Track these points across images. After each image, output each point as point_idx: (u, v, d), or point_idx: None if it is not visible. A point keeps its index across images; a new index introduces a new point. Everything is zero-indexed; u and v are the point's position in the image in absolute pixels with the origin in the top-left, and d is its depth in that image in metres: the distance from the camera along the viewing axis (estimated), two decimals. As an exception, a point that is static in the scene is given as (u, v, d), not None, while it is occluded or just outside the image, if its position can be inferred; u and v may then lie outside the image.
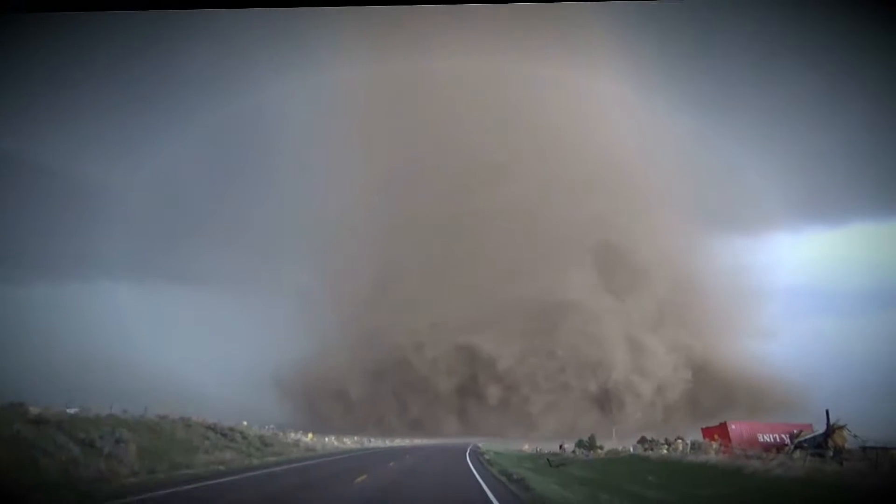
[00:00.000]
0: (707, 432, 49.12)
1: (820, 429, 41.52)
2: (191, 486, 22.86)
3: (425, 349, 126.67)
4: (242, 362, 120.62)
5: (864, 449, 36.71)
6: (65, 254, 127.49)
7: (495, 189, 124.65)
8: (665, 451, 48.52)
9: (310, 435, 69.33)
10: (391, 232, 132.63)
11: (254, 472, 31.15)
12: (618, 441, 72.91)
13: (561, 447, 72.98)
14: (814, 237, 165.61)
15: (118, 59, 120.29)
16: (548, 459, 51.99)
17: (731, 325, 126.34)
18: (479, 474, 33.39)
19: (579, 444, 72.69)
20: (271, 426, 61.74)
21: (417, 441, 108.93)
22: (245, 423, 50.28)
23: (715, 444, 43.74)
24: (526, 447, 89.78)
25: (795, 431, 44.63)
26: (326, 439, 75.39)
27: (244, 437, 44.60)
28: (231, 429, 44.44)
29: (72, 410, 31.27)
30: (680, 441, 54.18)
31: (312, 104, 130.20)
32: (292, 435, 61.32)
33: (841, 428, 39.39)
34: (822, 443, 39.04)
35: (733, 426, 47.35)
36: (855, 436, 39.11)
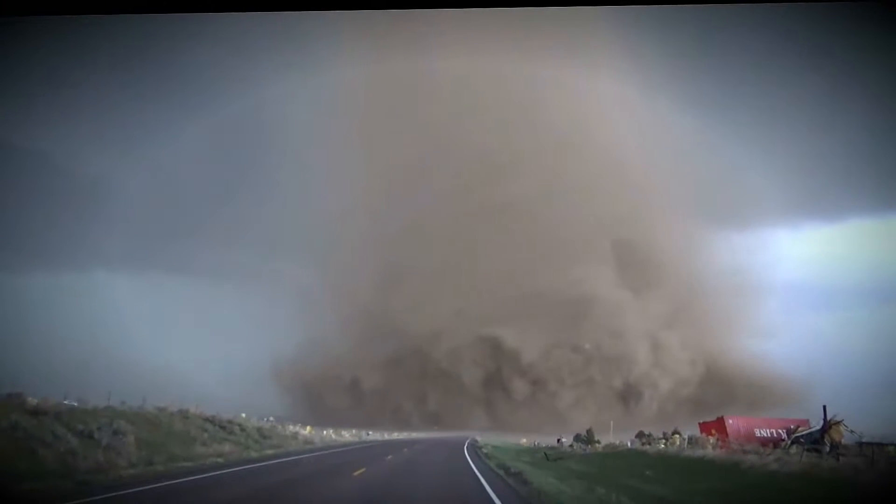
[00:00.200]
0: (704, 427, 49.19)
1: (817, 424, 41.63)
2: (189, 478, 22.89)
3: (443, 340, 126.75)
4: (242, 355, 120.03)
5: (860, 444, 36.85)
6: (64, 245, 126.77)
7: (511, 182, 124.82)
8: (663, 446, 48.60)
9: (308, 428, 69.38)
10: (407, 223, 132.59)
11: (252, 464, 31.19)
12: (615, 435, 73.09)
13: (559, 441, 73.17)
14: (812, 234, 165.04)
15: (119, 58, 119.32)
16: (545, 453, 52.11)
17: (731, 322, 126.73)
18: (476, 468, 33.45)
19: (577, 438, 72.85)
20: (271, 419, 61.81)
21: (415, 434, 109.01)
22: (243, 415, 50.30)
23: (712, 439, 43.84)
24: (524, 441, 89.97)
25: (792, 427, 44.70)
26: (325, 432, 75.49)
27: (243, 430, 44.62)
28: (229, 421, 44.44)
29: (70, 402, 31.29)
30: (677, 436, 54.26)
31: (316, 103, 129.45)
32: (291, 427, 61.36)
33: (837, 423, 39.51)
34: (819, 438, 39.16)
35: (730, 421, 47.39)
36: (851, 431, 39.27)
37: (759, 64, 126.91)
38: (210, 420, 41.74)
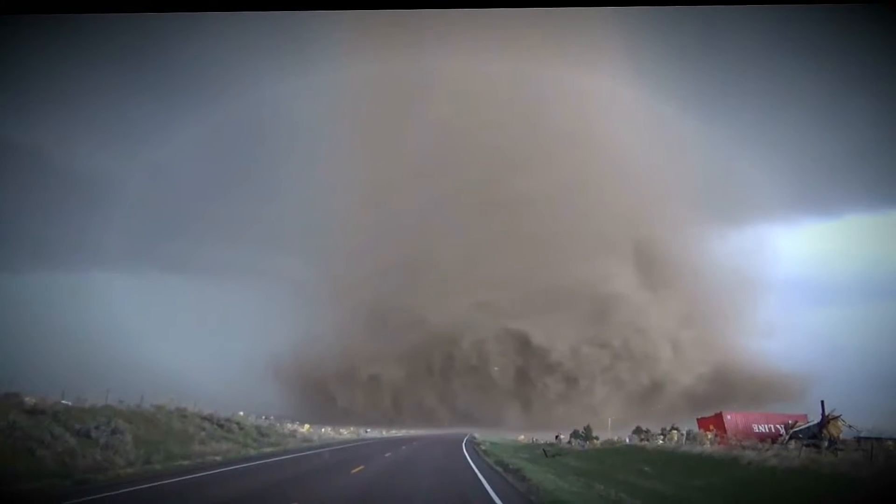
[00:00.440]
0: (703, 423, 49.20)
1: (815, 419, 41.65)
2: (187, 477, 22.86)
3: (465, 335, 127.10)
4: (240, 353, 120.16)
5: (858, 439, 36.87)
6: (62, 243, 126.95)
7: (529, 177, 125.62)
8: (661, 442, 48.65)
9: (306, 426, 69.38)
10: (423, 217, 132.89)
11: (250, 462, 31.16)
12: (613, 432, 73.18)
13: (557, 438, 73.26)
14: (810, 230, 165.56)
15: (118, 58, 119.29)
16: (544, 450, 52.15)
17: (733, 319, 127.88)
18: (475, 465, 33.45)
19: (575, 434, 72.94)
20: (272, 418, 61.79)
21: (413, 432, 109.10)
22: (241, 413, 50.26)
23: (710, 435, 43.87)
24: (521, 437, 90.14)
25: (790, 422, 44.72)
26: (323, 430, 75.50)
27: (241, 428, 44.60)
28: (227, 419, 44.42)
29: (67, 401, 31.22)
30: (675, 431, 54.31)
31: (321, 102, 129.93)
32: (289, 426, 61.34)
33: (836, 418, 39.50)
34: (817, 433, 39.15)
35: (729, 416, 47.42)
36: (850, 426, 39.26)
37: (759, 65, 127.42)
38: (208, 418, 41.70)
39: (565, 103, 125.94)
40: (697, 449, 34.83)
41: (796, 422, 44.26)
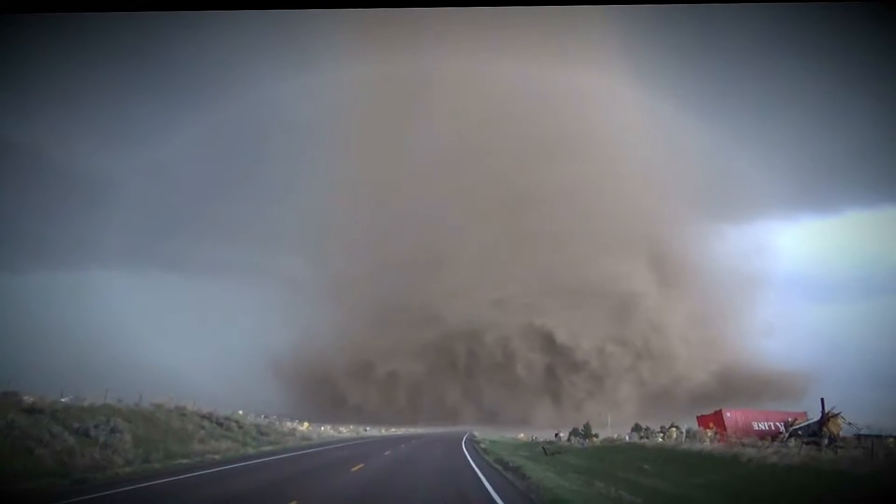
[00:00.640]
0: (702, 420, 49.22)
1: (814, 416, 41.65)
2: (185, 476, 22.81)
3: (487, 332, 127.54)
4: (239, 351, 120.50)
5: (858, 437, 36.87)
6: (61, 242, 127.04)
7: (546, 175, 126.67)
8: (660, 440, 48.65)
9: (306, 424, 69.36)
10: (440, 210, 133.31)
11: (249, 461, 31.12)
12: (612, 429, 73.19)
13: (556, 435, 73.33)
14: (809, 227, 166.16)
15: (117, 57, 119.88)
16: (543, 448, 52.15)
17: (735, 317, 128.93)
18: (475, 463, 33.42)
19: (574, 432, 72.97)
20: (274, 417, 61.82)
21: (412, 430, 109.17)
22: (241, 412, 50.23)
23: (710, 432, 43.86)
24: (521, 435, 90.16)
25: (790, 419, 44.74)
26: (322, 428, 75.49)
27: (240, 427, 44.56)
28: (227, 418, 44.38)
29: (66, 399, 31.15)
30: (674, 429, 54.32)
31: (336, 91, 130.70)
32: (288, 424, 61.32)
33: (836, 416, 39.50)
34: (817, 430, 39.16)
35: (728, 414, 47.43)
36: (849, 423, 39.27)
37: (760, 65, 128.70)
38: (207, 417, 41.66)
39: (579, 102, 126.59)
40: (697, 446, 34.78)
41: (796, 419, 44.27)
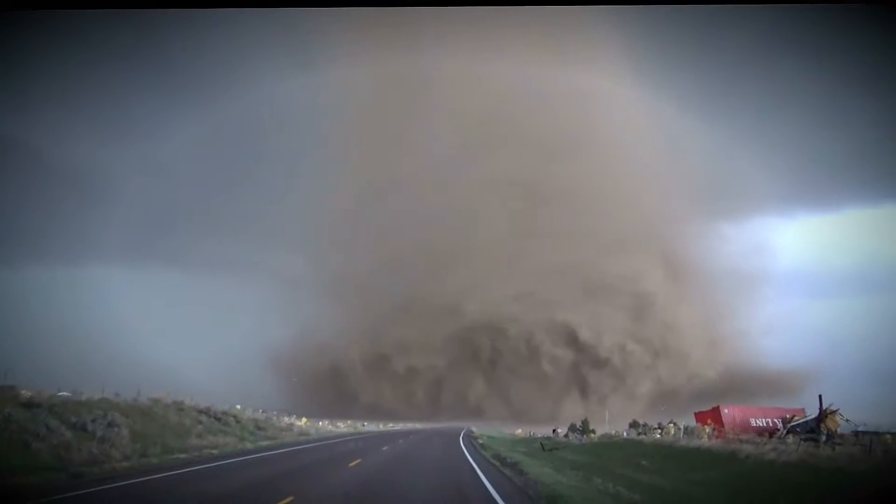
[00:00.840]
0: (700, 416, 49.22)
1: (812, 413, 41.66)
2: (183, 470, 22.77)
3: (510, 326, 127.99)
4: (238, 347, 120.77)
5: (856, 433, 36.89)
6: (59, 238, 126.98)
7: (564, 173, 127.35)
8: (658, 436, 48.65)
9: (304, 419, 69.36)
10: (460, 204, 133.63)
11: (247, 456, 31.08)
12: (610, 425, 73.27)
13: (554, 431, 73.34)
14: (808, 223, 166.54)
15: (117, 55, 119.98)
16: (541, 443, 52.14)
17: (738, 315, 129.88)
18: (472, 459, 33.41)
19: (572, 428, 73.03)
20: (275, 412, 61.86)
21: (409, 425, 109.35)
22: (239, 407, 50.17)
23: (708, 429, 43.84)
24: (519, 431, 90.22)
25: (788, 416, 44.75)
26: (320, 423, 75.48)
27: (238, 422, 44.49)
28: (224, 413, 44.30)
29: (63, 394, 31.08)
30: (672, 425, 54.33)
31: (348, 88, 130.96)
32: (286, 419, 61.30)
33: (833, 412, 39.52)
34: (815, 427, 39.18)
35: (726, 410, 47.41)
36: (847, 420, 39.30)
37: (759, 65, 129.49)
38: (205, 412, 41.58)
39: (586, 103, 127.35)
40: (695, 443, 34.79)
41: (794, 416, 44.28)
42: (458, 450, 42.28)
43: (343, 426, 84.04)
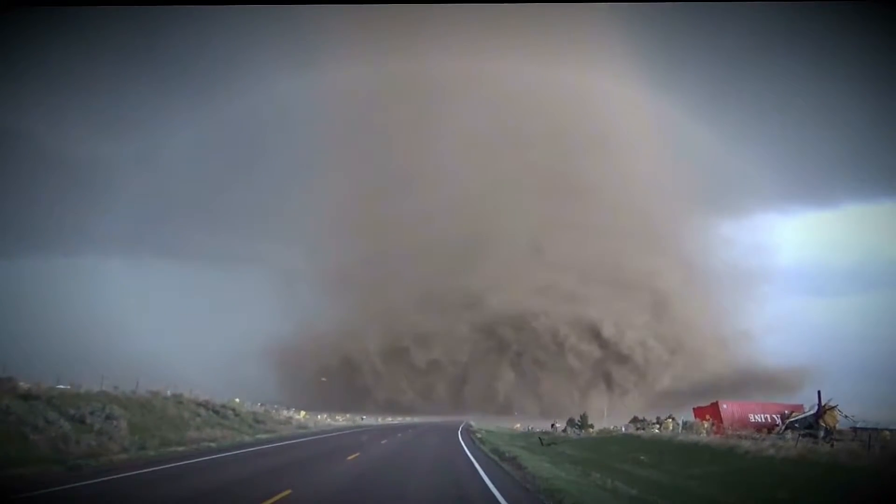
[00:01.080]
0: (699, 412, 49.20)
1: (811, 409, 41.66)
2: (180, 463, 22.74)
3: (535, 320, 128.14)
4: (237, 339, 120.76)
5: (854, 429, 36.90)
6: (57, 229, 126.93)
7: (589, 167, 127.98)
8: (656, 431, 48.68)
9: (302, 412, 69.43)
10: (480, 195, 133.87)
11: (245, 449, 31.07)
12: (609, 420, 73.36)
13: (553, 426, 73.41)
14: (806, 220, 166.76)
15: (119, 48, 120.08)
16: (540, 438, 52.17)
17: (740, 313, 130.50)
18: (471, 453, 33.38)
19: (571, 423, 73.09)
20: (275, 405, 61.92)
21: (408, 419, 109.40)
22: (237, 400, 50.18)
23: (706, 424, 43.84)
24: (517, 426, 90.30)
25: (786, 412, 44.77)
26: (319, 417, 75.58)
27: (236, 415, 44.49)
28: (223, 406, 44.30)
29: (62, 386, 31.02)
30: (671, 420, 54.38)
31: (359, 83, 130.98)
32: (285, 412, 61.34)
33: (832, 408, 39.51)
34: (814, 423, 39.18)
35: (725, 406, 47.40)
36: (846, 416, 39.29)
37: (759, 65, 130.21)
38: (203, 404, 41.56)
39: (604, 102, 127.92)
40: (693, 438, 34.78)
41: (792, 412, 44.29)
42: (457, 444, 42.25)
43: (342, 419, 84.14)
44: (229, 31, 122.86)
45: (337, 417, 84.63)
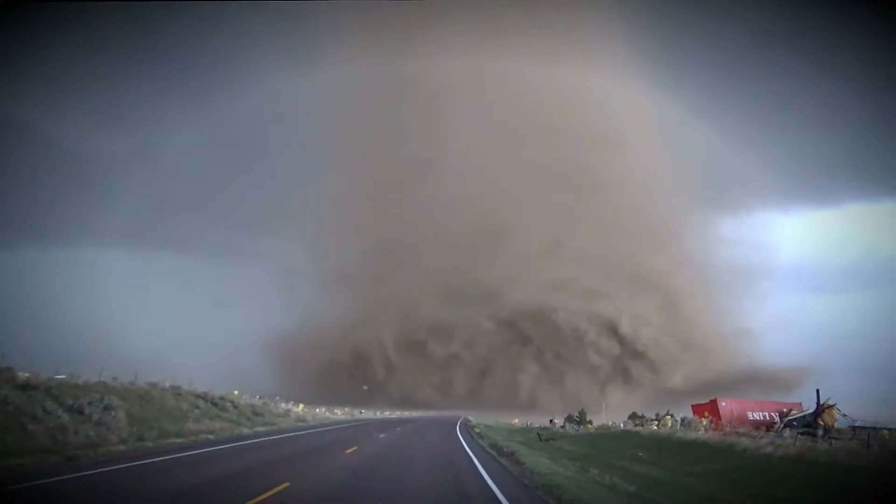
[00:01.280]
0: (697, 409, 49.24)
1: (809, 408, 41.64)
2: (178, 455, 22.73)
3: (559, 314, 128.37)
4: (236, 332, 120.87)
5: (853, 428, 36.89)
6: (57, 220, 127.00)
7: (607, 163, 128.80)
8: (655, 427, 48.70)
9: (301, 405, 69.47)
10: (499, 186, 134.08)
11: (243, 441, 31.05)
12: (607, 416, 73.44)
13: (551, 421, 73.49)
14: (806, 219, 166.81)
15: (120, 43, 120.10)
16: (538, 433, 52.17)
17: (735, 311, 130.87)
18: (469, 448, 33.37)
19: (569, 419, 73.16)
20: (276, 399, 61.98)
21: (406, 413, 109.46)
22: (236, 392, 50.20)
23: (705, 421, 43.86)
24: (515, 421, 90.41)
25: (785, 410, 44.78)
26: (317, 410, 75.61)
27: (235, 407, 44.48)
28: (222, 398, 44.30)
29: (60, 376, 31.01)
30: (669, 417, 54.39)
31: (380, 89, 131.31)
32: (283, 405, 61.36)
33: (830, 407, 39.48)
34: (812, 421, 39.15)
35: (723, 403, 47.43)
36: (844, 415, 39.26)
37: (759, 64, 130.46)
38: (202, 396, 41.57)
39: (613, 102, 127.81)
40: (692, 435, 34.75)
41: (791, 410, 44.31)
42: (455, 439, 42.22)
43: (340, 413, 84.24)
44: (231, 28, 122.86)
45: (336, 411, 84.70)
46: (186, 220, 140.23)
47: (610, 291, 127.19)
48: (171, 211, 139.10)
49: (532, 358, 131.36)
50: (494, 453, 31.16)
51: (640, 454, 30.37)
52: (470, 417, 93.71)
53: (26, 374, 27.88)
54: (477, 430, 55.05)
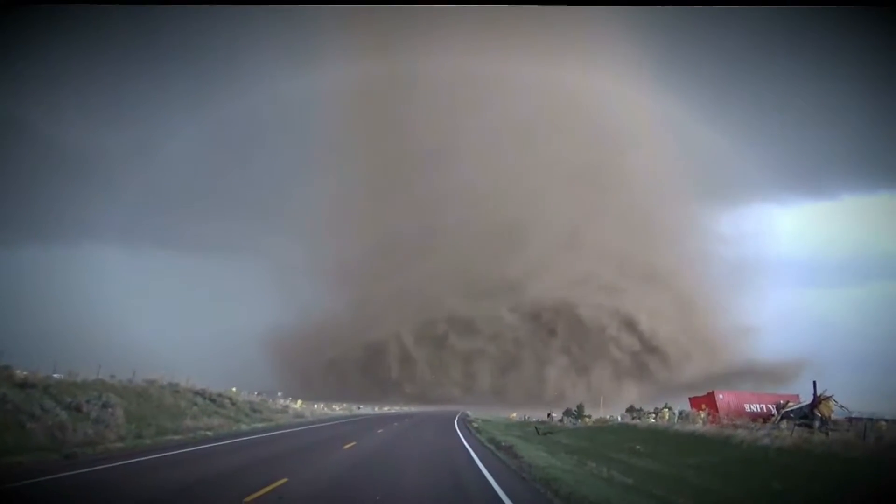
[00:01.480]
0: (695, 402, 49.27)
1: (806, 399, 41.71)
2: (176, 452, 22.76)
3: (580, 308, 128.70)
4: (235, 329, 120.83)
5: (850, 419, 36.95)
6: (57, 218, 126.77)
7: (625, 158, 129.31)
8: (652, 420, 48.77)
9: (299, 402, 69.51)
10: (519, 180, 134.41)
11: (241, 438, 31.10)
12: (605, 409, 73.51)
13: (549, 415, 73.59)
14: (804, 211, 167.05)
15: (121, 43, 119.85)
16: (536, 427, 52.31)
17: (742, 307, 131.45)
18: (467, 443, 33.45)
19: (567, 412, 73.23)
20: (276, 396, 61.99)
21: (405, 409, 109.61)
22: (234, 389, 50.17)
23: (702, 414, 43.91)
24: (513, 415, 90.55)
25: (782, 402, 44.79)
26: (315, 406, 75.66)
27: (233, 403, 44.47)
28: (220, 394, 44.25)
29: (58, 374, 30.99)
30: (667, 410, 54.46)
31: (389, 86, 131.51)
32: (281, 401, 61.37)
33: (827, 398, 39.54)
34: (809, 413, 39.19)
35: (721, 395, 47.45)
36: (841, 406, 39.33)
37: (759, 64, 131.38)
38: (200, 393, 41.52)
39: (619, 100, 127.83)
40: (689, 428, 34.85)
41: (788, 402, 44.31)
42: (453, 433, 42.31)
43: (338, 409, 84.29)
44: (232, 29, 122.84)
45: (334, 407, 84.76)
46: (186, 219, 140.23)
47: (626, 287, 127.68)
48: (171, 209, 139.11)
49: (561, 350, 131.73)
50: (492, 447, 31.24)
51: (638, 447, 30.46)
52: (468, 412, 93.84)
53: (24, 373, 27.83)
54: (475, 425, 55.19)
